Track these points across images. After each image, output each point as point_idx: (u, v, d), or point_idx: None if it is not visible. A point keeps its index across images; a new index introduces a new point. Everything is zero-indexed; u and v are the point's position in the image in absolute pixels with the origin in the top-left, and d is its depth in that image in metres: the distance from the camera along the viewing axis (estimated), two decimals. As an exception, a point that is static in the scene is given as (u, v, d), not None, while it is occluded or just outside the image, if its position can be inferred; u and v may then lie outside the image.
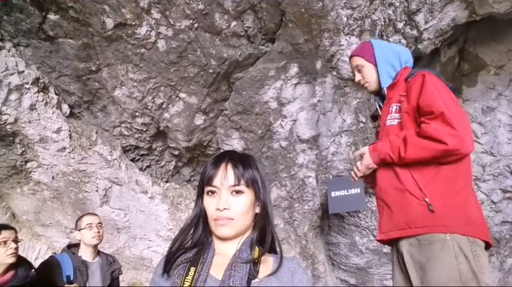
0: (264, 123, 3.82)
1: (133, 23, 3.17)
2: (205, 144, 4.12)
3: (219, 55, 3.40)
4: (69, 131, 3.50)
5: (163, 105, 3.72)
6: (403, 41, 3.49)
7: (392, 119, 1.76)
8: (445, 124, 1.54)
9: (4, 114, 3.12)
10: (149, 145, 4.11)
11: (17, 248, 2.29)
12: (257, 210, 1.09)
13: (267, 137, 3.91)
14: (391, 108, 1.77)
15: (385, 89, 1.84)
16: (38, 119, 3.29)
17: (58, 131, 3.42)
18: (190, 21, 3.19)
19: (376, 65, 1.87)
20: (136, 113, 3.77)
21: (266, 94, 3.67)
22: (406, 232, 1.63)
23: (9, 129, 3.20)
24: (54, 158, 3.50)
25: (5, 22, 3.14)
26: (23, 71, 3.16)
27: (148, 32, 3.23)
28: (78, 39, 3.24)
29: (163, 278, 1.02)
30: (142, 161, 4.24)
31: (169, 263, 1.03)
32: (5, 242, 2.23)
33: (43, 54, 3.32)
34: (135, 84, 3.54)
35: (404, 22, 3.39)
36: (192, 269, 1.00)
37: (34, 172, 3.55)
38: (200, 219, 1.09)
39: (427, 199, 1.58)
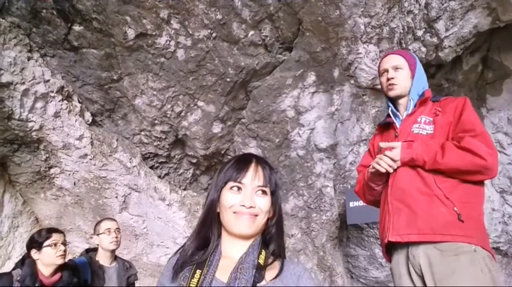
0: (282, 131, 3.82)
1: (154, 33, 3.25)
2: (222, 152, 4.14)
3: (236, 64, 3.44)
4: (91, 138, 3.59)
5: (182, 114, 3.78)
6: (423, 49, 3.43)
7: (421, 128, 1.79)
8: (485, 143, 1.62)
9: (30, 121, 3.24)
10: (168, 152, 4.17)
11: (65, 251, 2.42)
12: (269, 215, 1.08)
13: (284, 145, 3.90)
14: (419, 119, 1.81)
15: (412, 100, 1.88)
16: (61, 126, 3.40)
17: (80, 138, 3.52)
18: (209, 31, 3.25)
19: (413, 77, 1.90)
20: (156, 121, 3.84)
21: (283, 103, 3.68)
22: (428, 237, 1.60)
23: (34, 136, 3.33)
24: (76, 165, 3.60)
25: (34, 34, 3.29)
26: (48, 80, 3.29)
27: (168, 42, 3.31)
28: (101, 49, 3.36)
29: (170, 280, 1.02)
30: (161, 168, 4.30)
31: (176, 265, 1.03)
32: (55, 244, 2.35)
33: (68, 64, 3.45)
34: (154, 92, 3.62)
35: (424, 30, 3.34)
36: (198, 271, 1.00)
37: (57, 177, 3.65)
38: (212, 213, 1.08)
39: (455, 208, 1.59)
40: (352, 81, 3.56)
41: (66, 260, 2.51)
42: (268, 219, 1.08)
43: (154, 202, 3.94)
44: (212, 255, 1.03)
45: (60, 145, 3.45)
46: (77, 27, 3.24)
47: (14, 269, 2.34)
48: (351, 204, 4.04)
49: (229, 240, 1.06)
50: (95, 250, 2.87)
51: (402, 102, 1.92)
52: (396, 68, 1.91)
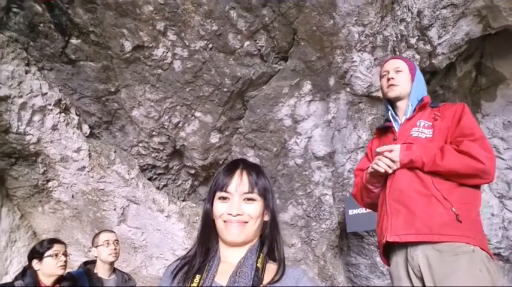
0: (279, 140, 3.83)
1: (151, 45, 3.29)
2: (220, 162, 4.14)
3: (233, 74, 3.47)
4: (89, 150, 3.59)
5: (180, 124, 3.79)
6: (417, 56, 3.48)
7: (420, 132, 1.82)
8: (483, 148, 1.66)
9: (28, 134, 3.24)
10: (166, 163, 4.16)
11: (66, 261, 2.42)
12: (265, 218, 1.10)
13: (282, 154, 3.90)
14: (418, 123, 1.84)
15: (411, 105, 1.91)
16: (59, 139, 3.41)
17: (78, 150, 3.52)
18: (205, 41, 3.29)
19: (412, 81, 1.95)
20: (153, 133, 3.85)
21: (280, 112, 3.70)
22: (427, 237, 1.61)
23: (32, 149, 3.32)
24: (74, 177, 3.59)
25: (32, 48, 3.32)
26: (46, 93, 3.30)
27: (165, 53, 3.34)
28: (98, 61, 3.39)
29: (169, 284, 1.02)
30: (159, 180, 4.30)
31: (175, 270, 1.04)
32: (56, 255, 2.37)
33: (65, 77, 3.47)
34: (152, 104, 3.64)
35: (417, 37, 3.39)
36: (198, 276, 1.01)
37: (55, 190, 3.64)
38: (208, 223, 1.09)
39: (454, 209, 1.61)
40: (348, 89, 3.60)
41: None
42: (264, 223, 1.09)
43: (153, 213, 3.92)
44: (211, 260, 1.05)
45: (58, 157, 3.45)
46: (74, 41, 3.28)
47: (14, 280, 2.34)
48: (350, 212, 4.04)
49: (226, 247, 1.07)
50: (93, 262, 2.84)
51: (401, 105, 1.95)
52: (397, 71, 1.95)
